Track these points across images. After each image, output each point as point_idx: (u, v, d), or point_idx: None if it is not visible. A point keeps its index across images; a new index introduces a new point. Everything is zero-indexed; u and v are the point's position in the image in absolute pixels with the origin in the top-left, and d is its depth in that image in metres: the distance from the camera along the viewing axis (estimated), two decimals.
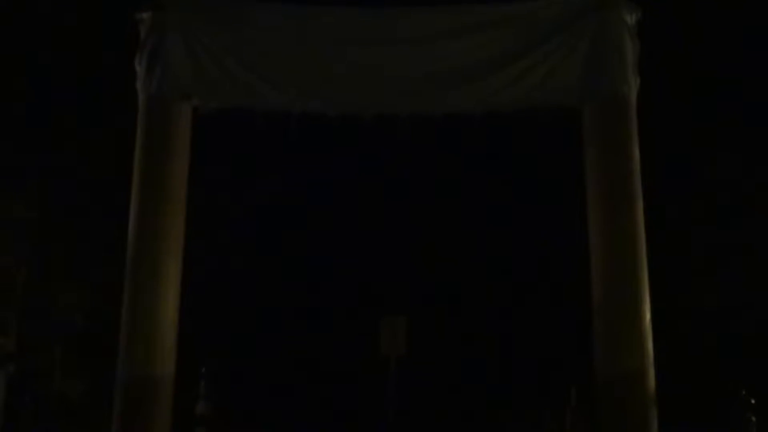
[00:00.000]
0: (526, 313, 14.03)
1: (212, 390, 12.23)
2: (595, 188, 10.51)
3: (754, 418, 10.49)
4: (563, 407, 13.19)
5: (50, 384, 12.91)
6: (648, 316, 10.12)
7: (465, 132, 10.97)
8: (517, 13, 10.86)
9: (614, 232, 10.34)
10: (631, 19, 10.65)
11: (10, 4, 13.12)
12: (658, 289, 10.43)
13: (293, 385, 13.73)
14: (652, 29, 10.96)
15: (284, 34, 10.88)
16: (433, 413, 13.65)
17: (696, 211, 13.30)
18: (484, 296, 14.36)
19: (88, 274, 13.18)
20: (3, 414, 12.28)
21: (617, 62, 10.54)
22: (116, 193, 10.98)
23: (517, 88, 10.80)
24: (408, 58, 10.76)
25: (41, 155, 13.12)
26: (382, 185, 14.12)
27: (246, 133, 11.44)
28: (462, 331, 14.29)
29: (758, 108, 13.15)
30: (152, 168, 10.50)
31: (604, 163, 10.50)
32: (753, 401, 10.53)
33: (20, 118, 13.03)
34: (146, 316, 10.17)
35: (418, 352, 13.48)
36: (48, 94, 13.32)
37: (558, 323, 13.50)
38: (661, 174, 11.62)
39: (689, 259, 13.35)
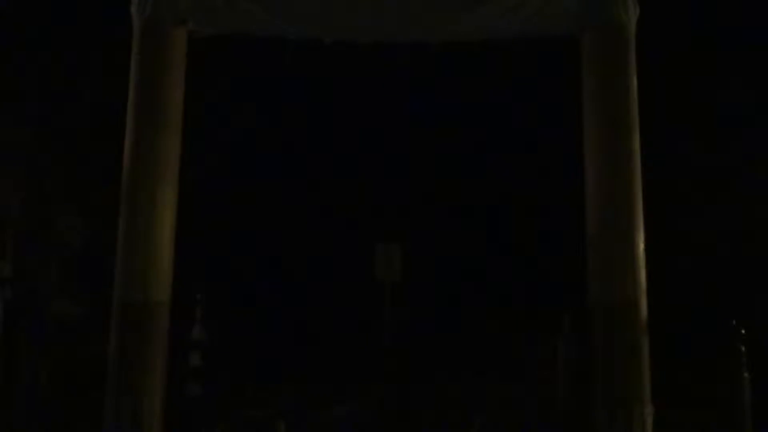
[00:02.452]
0: (521, 241, 14.07)
1: (208, 315, 12.33)
2: (592, 117, 10.54)
3: (743, 348, 10.59)
4: (556, 334, 13.31)
5: (48, 307, 12.98)
6: (642, 245, 10.20)
7: (463, 60, 10.93)
8: None
9: (610, 161, 10.39)
10: None
11: None
12: (654, 217, 10.48)
13: (288, 311, 13.81)
14: None
15: None
16: (428, 339, 13.76)
17: (694, 138, 13.26)
18: (480, 222, 14.39)
19: (86, 197, 13.18)
20: (1, 337, 12.38)
21: None
22: (115, 116, 10.93)
23: (516, 16, 10.73)
24: None
25: (38, 78, 13.03)
26: (379, 112, 14.05)
27: (243, 59, 11.38)
28: (457, 258, 14.34)
29: (758, 34, 13.04)
30: (148, 93, 10.47)
31: (602, 92, 10.52)
32: (743, 331, 10.63)
33: (17, 41, 12.92)
34: (142, 241, 10.24)
35: (413, 278, 13.56)
36: (44, 16, 13.19)
37: (553, 251, 13.54)
38: (659, 103, 11.59)
39: (687, 187, 13.34)
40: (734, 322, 10.72)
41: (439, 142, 14.23)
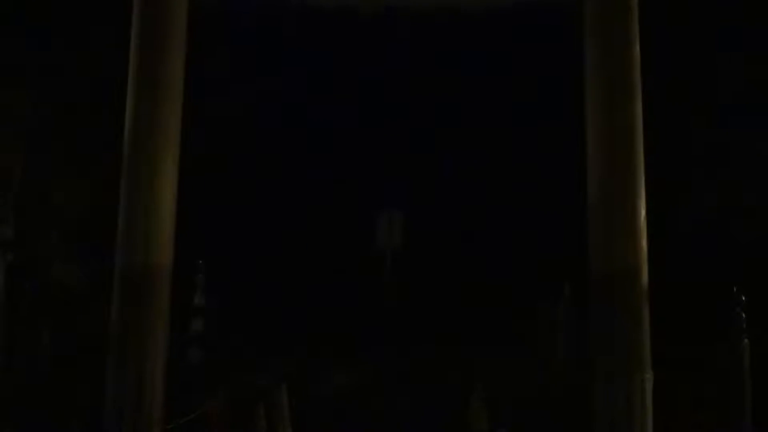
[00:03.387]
0: (522, 208, 14.08)
1: (210, 282, 12.36)
2: (593, 85, 10.47)
3: (744, 315, 10.59)
4: (557, 302, 13.34)
5: (49, 272, 13.01)
6: (643, 213, 10.17)
7: (465, 29, 10.90)
8: None
9: (612, 129, 10.34)
10: None
11: None
12: (655, 187, 10.45)
13: (289, 278, 13.85)
14: None
15: None
16: (429, 306, 13.80)
17: (696, 108, 13.23)
18: (481, 190, 14.39)
19: (87, 167, 13.18)
20: (3, 301, 12.40)
21: None
22: (115, 89, 10.91)
23: None
24: None
25: (39, 52, 12.99)
26: (381, 80, 14.04)
27: (243, 28, 11.34)
28: (458, 225, 14.36)
29: (759, 5, 12.97)
30: (148, 63, 10.41)
31: (604, 59, 10.44)
32: (744, 298, 10.62)
33: (18, 15, 12.86)
34: (144, 208, 10.23)
35: (414, 246, 13.59)
36: None
37: (554, 218, 13.56)
38: (661, 72, 11.55)
39: (688, 157, 13.33)
40: (735, 288, 10.71)
41: (441, 109, 14.22)
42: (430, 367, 12.49)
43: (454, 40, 12.82)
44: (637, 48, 10.43)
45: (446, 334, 13.31)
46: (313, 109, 14.25)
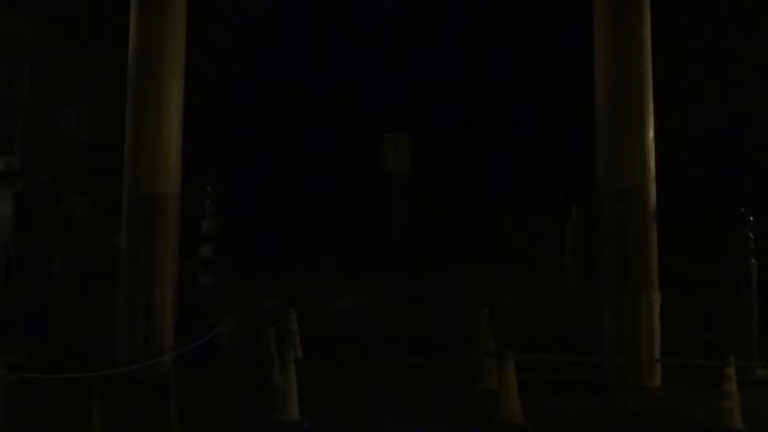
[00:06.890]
0: (528, 131, 14.03)
1: (217, 208, 12.37)
2: (601, 5, 10.34)
3: (752, 235, 10.59)
4: (564, 221, 13.36)
5: (57, 200, 13.04)
6: (651, 132, 10.14)
7: None
8: None
9: (620, 47, 10.24)
10: None
11: None
12: (661, 101, 10.38)
13: (297, 203, 13.86)
14: None
15: None
16: (434, 227, 13.82)
17: (699, 22, 13.14)
18: (487, 113, 14.33)
19: (90, 89, 13.12)
20: (12, 231, 12.47)
21: None
22: (118, 5, 10.82)
23: None
24: None
25: None
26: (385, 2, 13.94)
27: None
28: (464, 148, 14.34)
29: None
30: None
31: None
32: (751, 218, 10.60)
33: None
34: (151, 133, 10.22)
35: (420, 170, 13.56)
36: None
37: (561, 140, 13.52)
38: None
39: (691, 70, 13.26)
40: (743, 208, 10.68)
41: (444, 35, 14.12)
42: (436, 287, 12.53)
43: None
44: None
45: (450, 256, 13.34)
46: (317, 35, 14.14)
